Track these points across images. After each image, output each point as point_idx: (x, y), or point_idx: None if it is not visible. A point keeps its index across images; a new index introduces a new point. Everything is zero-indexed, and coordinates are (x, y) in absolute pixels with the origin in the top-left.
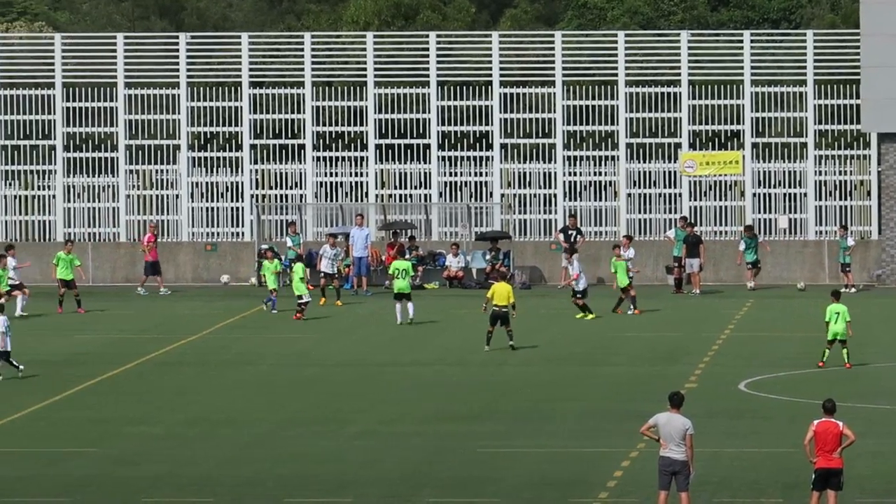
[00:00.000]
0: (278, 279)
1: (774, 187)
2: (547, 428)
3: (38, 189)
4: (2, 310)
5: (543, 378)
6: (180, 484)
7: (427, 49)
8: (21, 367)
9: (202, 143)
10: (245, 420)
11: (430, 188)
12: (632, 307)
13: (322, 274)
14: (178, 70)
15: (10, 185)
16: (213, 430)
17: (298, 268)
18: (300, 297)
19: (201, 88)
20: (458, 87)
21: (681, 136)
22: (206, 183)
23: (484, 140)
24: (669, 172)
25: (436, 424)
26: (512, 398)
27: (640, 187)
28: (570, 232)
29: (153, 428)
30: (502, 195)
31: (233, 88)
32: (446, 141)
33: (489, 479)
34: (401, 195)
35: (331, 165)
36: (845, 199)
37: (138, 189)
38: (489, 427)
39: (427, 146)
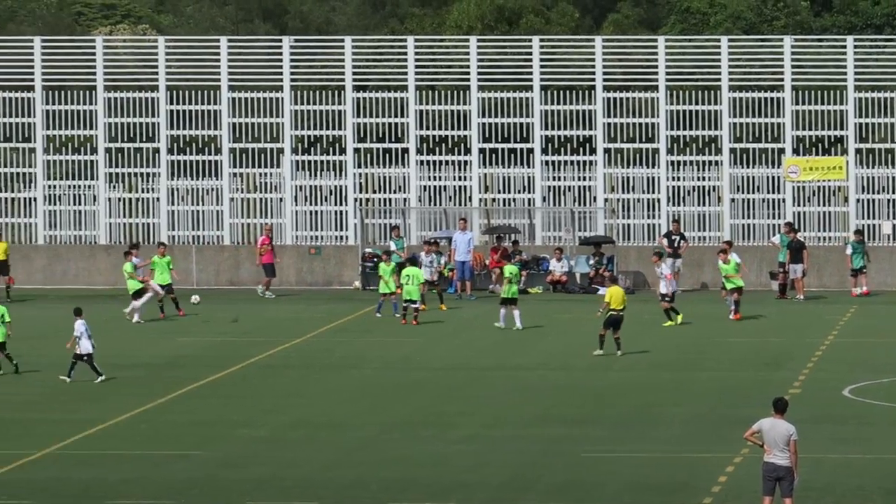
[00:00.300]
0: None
1: (878, 193)
2: (651, 433)
3: (142, 192)
4: (80, 313)
5: (647, 383)
6: (283, 487)
7: (530, 53)
8: (102, 375)
9: (306, 146)
10: (349, 423)
11: (533, 192)
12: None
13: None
14: (281, 73)
15: (115, 187)
16: (317, 433)
17: (414, 272)
18: (412, 301)
19: (305, 92)
20: (561, 92)
21: (784, 142)
22: (310, 186)
23: (587, 144)
24: (773, 177)
25: (539, 428)
26: (616, 403)
27: (743, 192)
28: (673, 237)
29: (257, 431)
30: (606, 200)
31: (336, 92)
32: (550, 145)
33: (592, 483)
34: (504, 199)
35: (434, 169)
36: None
37: (242, 192)
38: (593, 431)
39: (530, 150)
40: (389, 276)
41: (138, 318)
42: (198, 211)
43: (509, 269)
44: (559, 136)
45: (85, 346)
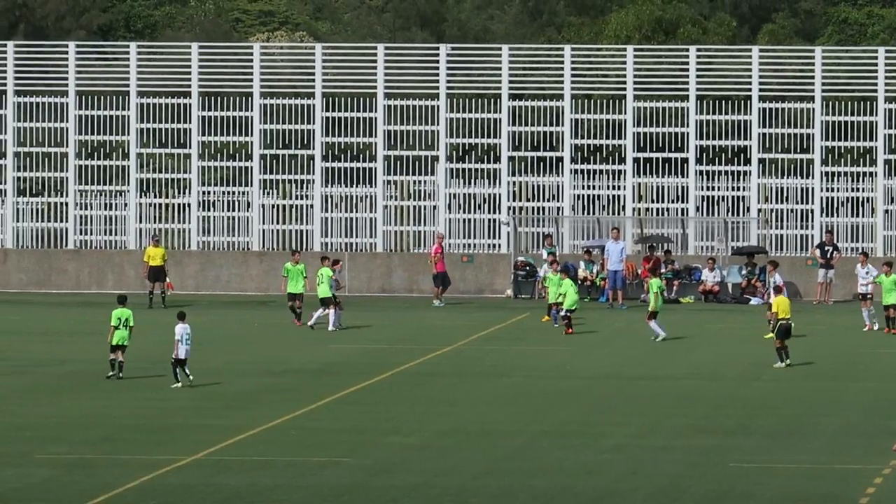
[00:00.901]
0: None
1: None
2: (801, 444)
3: (296, 199)
4: (183, 317)
5: (796, 393)
6: (434, 494)
7: (687, 63)
8: (191, 377)
9: (460, 154)
10: (499, 431)
11: (686, 202)
12: (888, 325)
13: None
14: (437, 81)
15: (269, 194)
16: (468, 441)
17: (567, 284)
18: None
19: (460, 100)
20: (716, 102)
21: None
22: (464, 194)
23: (742, 154)
24: None
25: (690, 438)
26: (765, 413)
27: None
28: (826, 248)
29: (408, 438)
30: (759, 210)
31: (492, 100)
32: (704, 155)
33: (743, 494)
34: (657, 209)
35: (588, 178)
36: None
37: (396, 200)
38: (743, 442)
39: (685, 160)
40: (554, 286)
41: (332, 326)
42: (351, 218)
43: (656, 283)
44: (714, 146)
45: (182, 351)
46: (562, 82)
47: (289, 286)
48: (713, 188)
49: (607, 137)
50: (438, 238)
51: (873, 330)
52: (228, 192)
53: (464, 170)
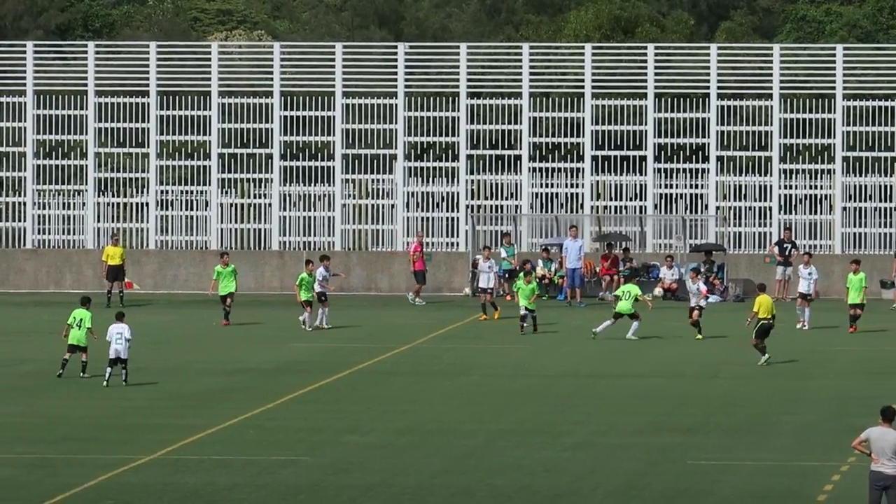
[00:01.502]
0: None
1: None
2: (760, 442)
3: (255, 198)
4: (120, 318)
5: (756, 391)
6: (392, 493)
7: (645, 61)
8: (125, 381)
9: (418, 153)
10: (458, 430)
11: (645, 200)
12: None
13: (480, 290)
14: (396, 80)
15: (227, 193)
16: (426, 439)
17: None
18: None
19: (419, 98)
20: (674, 100)
21: None
22: (422, 193)
23: (700, 152)
24: (886, 186)
25: (649, 436)
26: (725, 411)
27: (855, 201)
28: (785, 245)
29: (366, 437)
30: (717, 207)
31: (450, 98)
32: (662, 153)
33: (702, 491)
34: (616, 207)
35: (546, 176)
36: None
37: (354, 198)
38: (702, 440)
39: (643, 158)
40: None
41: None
42: (309, 217)
43: (624, 287)
44: (672, 144)
45: (111, 351)
46: (520, 80)
47: (220, 287)
48: (671, 186)
49: (565, 135)
50: (418, 236)
51: (804, 329)
52: (187, 192)
53: (422, 168)
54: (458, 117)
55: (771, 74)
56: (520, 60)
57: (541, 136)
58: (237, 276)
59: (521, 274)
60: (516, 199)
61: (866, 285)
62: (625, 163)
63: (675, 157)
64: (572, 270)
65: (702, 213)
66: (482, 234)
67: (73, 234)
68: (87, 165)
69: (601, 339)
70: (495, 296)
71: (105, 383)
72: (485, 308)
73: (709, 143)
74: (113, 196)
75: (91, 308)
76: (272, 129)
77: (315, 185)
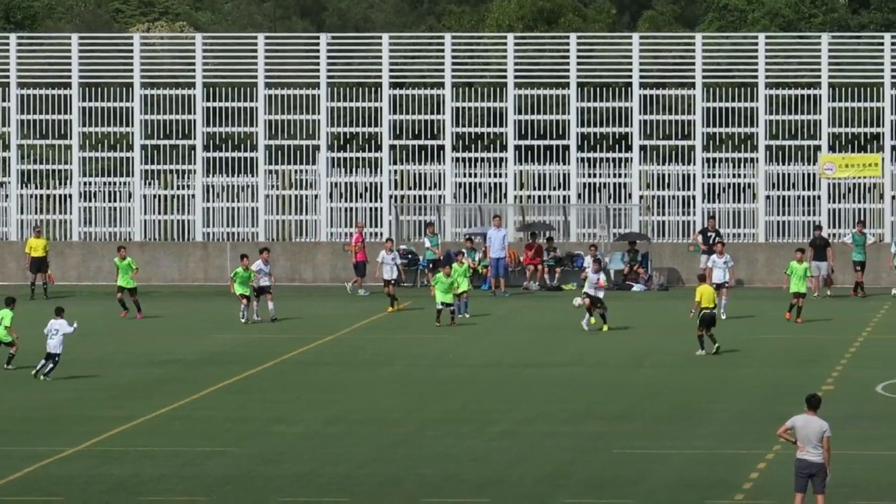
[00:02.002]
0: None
1: None
2: (686, 430)
3: (178, 189)
4: (58, 313)
5: (683, 380)
6: (319, 483)
7: (567, 50)
8: (46, 376)
9: (341, 143)
10: (385, 420)
11: (568, 189)
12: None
13: (384, 282)
14: (318, 70)
15: (150, 184)
16: (353, 429)
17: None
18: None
19: (341, 89)
20: (597, 89)
21: (820, 139)
22: (345, 183)
23: (623, 141)
24: (809, 174)
25: (576, 425)
26: (652, 400)
27: (779, 189)
28: (709, 234)
29: (293, 427)
30: (641, 197)
31: (373, 89)
32: (585, 142)
33: (628, 480)
34: (539, 196)
35: (470, 166)
36: None
37: (277, 189)
38: (630, 428)
39: (566, 147)
40: (464, 278)
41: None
42: (233, 208)
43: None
44: (595, 133)
45: (49, 345)
46: (442, 71)
47: (118, 280)
48: (595, 175)
49: (488, 125)
50: (358, 227)
51: (721, 318)
52: (110, 183)
53: (345, 158)
54: (381, 108)
55: (693, 63)
56: (442, 51)
57: (464, 126)
58: (133, 271)
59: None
60: (440, 188)
61: (810, 275)
62: (548, 152)
63: (598, 146)
64: (496, 260)
65: (625, 202)
66: (406, 224)
67: None
68: (9, 157)
69: (528, 327)
70: (411, 286)
71: (33, 373)
72: (392, 301)
73: (632, 133)
74: (36, 188)
75: (14, 308)
76: (195, 121)
77: (238, 176)
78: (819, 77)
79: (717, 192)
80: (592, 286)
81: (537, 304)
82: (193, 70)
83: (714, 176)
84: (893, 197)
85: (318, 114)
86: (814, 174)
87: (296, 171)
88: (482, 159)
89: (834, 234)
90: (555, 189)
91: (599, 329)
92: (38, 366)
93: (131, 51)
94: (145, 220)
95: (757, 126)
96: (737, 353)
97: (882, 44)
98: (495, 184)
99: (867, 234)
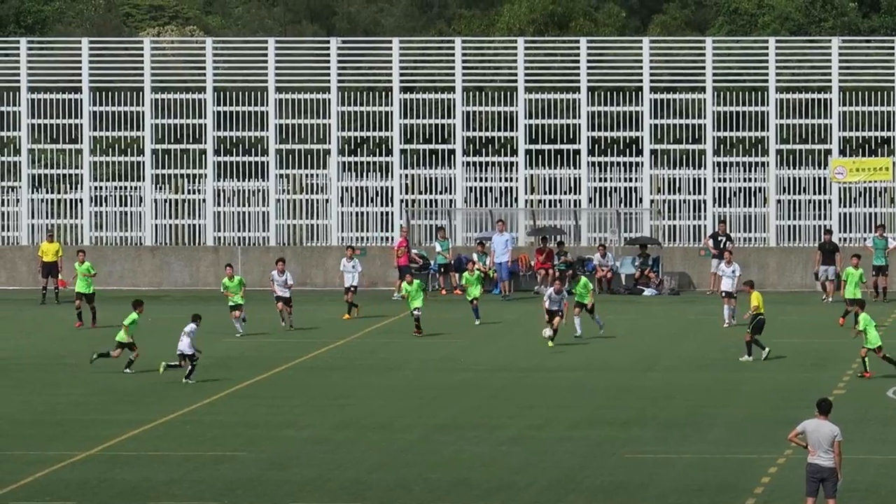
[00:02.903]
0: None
1: None
2: (696, 434)
3: (188, 193)
4: (197, 319)
5: (693, 384)
6: (328, 488)
7: (578, 55)
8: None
9: (352, 147)
10: (395, 425)
11: (579, 193)
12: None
13: (344, 289)
14: (328, 75)
15: (161, 188)
16: (363, 434)
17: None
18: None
19: (352, 93)
20: (608, 93)
21: (831, 143)
22: (356, 188)
23: (634, 146)
24: (819, 179)
25: (586, 430)
26: (661, 404)
27: (789, 194)
28: (719, 238)
29: (302, 432)
30: (652, 201)
31: (383, 93)
32: (596, 146)
33: (637, 485)
34: (550, 200)
35: (480, 171)
36: None
37: (288, 194)
38: (639, 433)
39: (577, 151)
40: (476, 284)
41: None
42: (244, 212)
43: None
44: (606, 138)
45: (181, 345)
46: (453, 75)
47: (76, 286)
48: (605, 179)
49: (499, 130)
50: (403, 232)
51: (731, 325)
52: (120, 188)
53: (356, 163)
54: (392, 112)
55: (704, 67)
56: (452, 55)
57: (474, 130)
58: (91, 275)
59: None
60: (450, 193)
61: (864, 280)
62: (559, 156)
63: (608, 150)
64: (499, 264)
65: (636, 206)
66: (416, 229)
67: (7, 230)
68: (20, 162)
69: (536, 332)
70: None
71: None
72: (350, 308)
73: (642, 137)
74: (47, 192)
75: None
76: (205, 125)
77: (249, 181)
78: (829, 81)
79: (727, 196)
80: (559, 303)
81: None
82: (204, 74)
83: (725, 180)
84: None
85: (329, 118)
86: (825, 178)
87: (306, 176)
88: (493, 163)
89: (844, 239)
90: (566, 193)
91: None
92: (188, 372)
93: (141, 55)
94: (156, 225)
95: (767, 130)
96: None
97: (892, 47)
98: (506, 188)
99: (888, 238)
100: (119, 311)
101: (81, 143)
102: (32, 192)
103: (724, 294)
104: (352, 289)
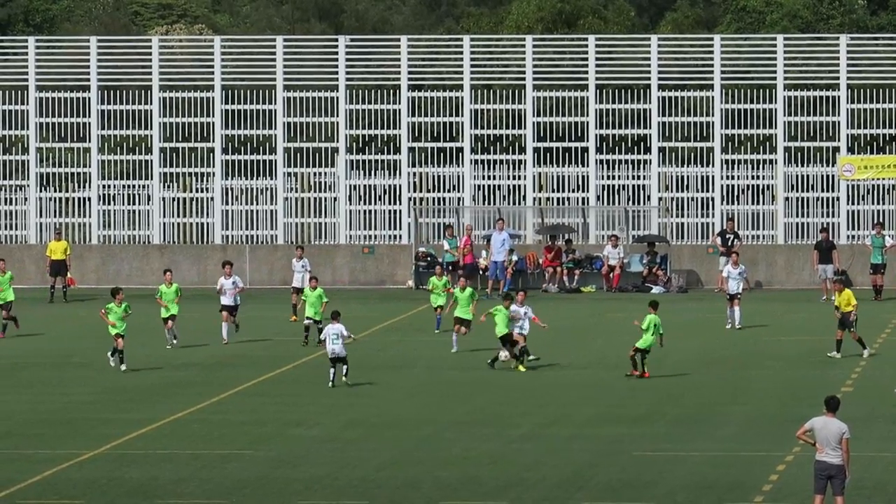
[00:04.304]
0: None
1: None
2: (705, 432)
3: (197, 192)
4: (338, 316)
5: (702, 382)
6: (338, 486)
7: (586, 52)
8: (346, 379)
9: (360, 146)
10: (404, 422)
11: (587, 191)
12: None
13: (293, 290)
14: (336, 73)
15: (169, 187)
16: (372, 432)
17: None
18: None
19: (360, 91)
20: (616, 91)
21: (839, 140)
22: (364, 186)
23: (642, 143)
24: (827, 176)
25: (596, 428)
26: (671, 402)
27: (797, 191)
28: (727, 235)
29: (311, 430)
30: (660, 198)
31: (391, 91)
32: (604, 144)
33: (646, 482)
34: (558, 198)
35: (489, 168)
36: None
37: (296, 192)
38: (649, 430)
39: (585, 149)
40: (441, 292)
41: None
42: (252, 210)
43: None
44: (614, 135)
45: (332, 349)
46: (461, 72)
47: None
48: (614, 177)
49: (507, 127)
50: (468, 230)
51: (735, 329)
52: (129, 186)
53: (364, 161)
54: (400, 110)
55: (712, 65)
56: (461, 52)
57: (482, 128)
58: (10, 281)
59: None
60: (459, 191)
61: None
62: (567, 154)
63: (616, 148)
64: (494, 263)
65: (644, 204)
66: (424, 227)
67: (16, 229)
68: (28, 161)
69: (546, 330)
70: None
71: (330, 383)
72: (295, 309)
73: (650, 134)
74: (55, 191)
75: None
76: (213, 123)
77: (257, 179)
78: (838, 78)
79: (735, 193)
80: (524, 320)
81: (556, 306)
82: (212, 73)
83: (733, 178)
84: None
85: (337, 116)
86: (833, 176)
87: (314, 174)
88: (501, 161)
89: (851, 236)
90: (574, 191)
91: (515, 368)
92: (331, 375)
93: (150, 54)
94: (164, 223)
95: (776, 127)
96: (756, 354)
97: None
98: (514, 186)
99: (886, 235)
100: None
101: (89, 141)
102: (40, 191)
103: (729, 296)
104: (302, 290)
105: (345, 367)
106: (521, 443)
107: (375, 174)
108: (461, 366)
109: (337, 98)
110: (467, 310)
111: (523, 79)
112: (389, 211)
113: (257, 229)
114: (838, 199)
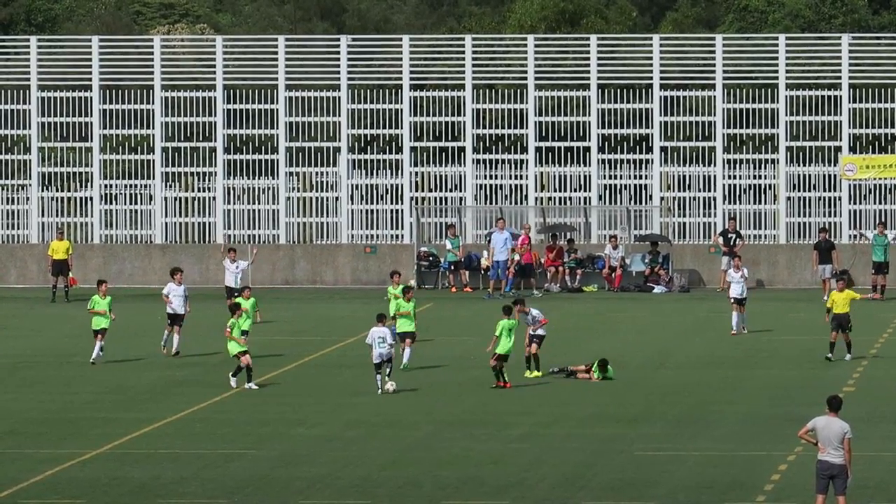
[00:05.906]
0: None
1: None
2: (705, 431)
3: (199, 191)
4: (383, 319)
5: (702, 381)
6: (338, 486)
7: (588, 52)
8: (392, 384)
9: (362, 145)
10: (405, 422)
11: (589, 191)
12: None
13: (226, 290)
14: (338, 72)
15: (171, 186)
16: (374, 432)
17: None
18: None
19: (362, 91)
20: (618, 90)
21: (841, 140)
22: (366, 185)
23: (644, 143)
24: (829, 176)
25: (595, 427)
26: (670, 401)
27: (799, 191)
28: (729, 235)
29: (313, 430)
30: (662, 198)
31: (393, 91)
32: (606, 144)
33: (647, 482)
34: (560, 198)
35: (490, 168)
36: None
37: (298, 191)
38: (648, 430)
39: (587, 149)
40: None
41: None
42: (254, 210)
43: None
44: (616, 135)
45: (375, 354)
46: (463, 72)
47: None
48: (615, 177)
49: (509, 127)
50: (525, 229)
51: (742, 334)
52: (131, 186)
53: (366, 160)
54: (402, 109)
55: (714, 64)
56: (463, 52)
57: (484, 127)
58: None
59: None
60: (460, 190)
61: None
62: (569, 154)
63: (618, 147)
64: (496, 262)
65: (646, 203)
66: (426, 226)
67: (18, 228)
68: (30, 160)
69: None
70: (433, 288)
71: (379, 391)
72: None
73: (652, 134)
74: (57, 191)
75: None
76: (215, 123)
77: (259, 179)
78: (840, 78)
79: (737, 193)
80: (533, 325)
81: (557, 306)
82: (214, 72)
83: (735, 177)
84: None
85: (339, 116)
86: (835, 175)
87: (316, 174)
88: (503, 161)
89: (855, 235)
90: (575, 191)
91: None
92: (378, 381)
93: (152, 53)
94: (166, 223)
95: (777, 127)
96: (756, 353)
97: None
98: (516, 185)
99: (888, 234)
100: (126, 309)
101: (92, 141)
102: (42, 191)
103: (733, 300)
104: (235, 291)
105: (388, 367)
106: (521, 442)
107: (377, 174)
108: (461, 366)
109: (339, 97)
110: (411, 322)
111: (525, 78)
112: (391, 210)
113: (259, 229)
114: (840, 198)
